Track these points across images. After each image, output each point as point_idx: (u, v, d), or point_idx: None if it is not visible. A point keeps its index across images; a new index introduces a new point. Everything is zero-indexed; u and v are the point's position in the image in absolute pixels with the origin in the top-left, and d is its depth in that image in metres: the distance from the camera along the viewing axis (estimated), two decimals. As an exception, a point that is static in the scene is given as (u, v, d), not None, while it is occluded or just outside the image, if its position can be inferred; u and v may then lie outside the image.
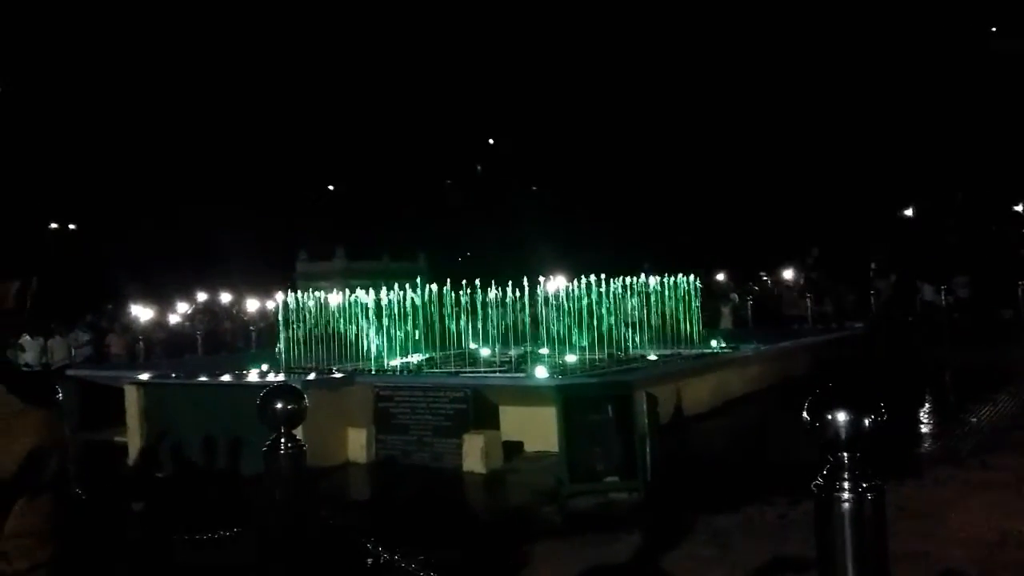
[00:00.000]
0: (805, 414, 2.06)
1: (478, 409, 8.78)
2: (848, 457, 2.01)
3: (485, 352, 12.25)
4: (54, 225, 37.07)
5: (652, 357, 11.94)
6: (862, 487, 2.00)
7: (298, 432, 3.57)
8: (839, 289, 21.32)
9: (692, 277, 13.60)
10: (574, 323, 12.11)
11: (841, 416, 2.00)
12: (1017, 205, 31.62)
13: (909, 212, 33.42)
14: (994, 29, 32.85)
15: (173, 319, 22.93)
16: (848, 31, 31.76)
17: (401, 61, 35.59)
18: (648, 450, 7.25)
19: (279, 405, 3.47)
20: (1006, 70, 29.79)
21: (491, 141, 37.10)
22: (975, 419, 9.75)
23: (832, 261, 24.28)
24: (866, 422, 2.00)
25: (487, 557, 5.74)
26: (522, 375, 9.98)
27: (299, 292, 13.30)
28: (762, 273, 26.91)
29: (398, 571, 3.89)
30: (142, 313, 21.95)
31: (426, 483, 8.11)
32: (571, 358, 11.39)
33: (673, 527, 6.00)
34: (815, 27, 31.82)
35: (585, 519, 6.46)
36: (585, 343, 12.04)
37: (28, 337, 15.47)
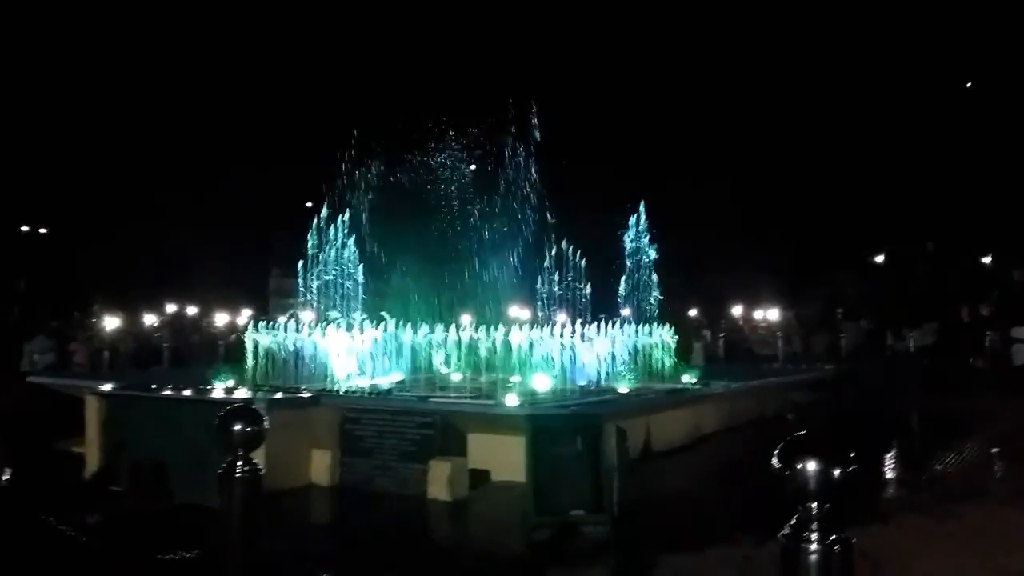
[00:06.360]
0: (775, 461, 2.01)
1: (446, 435, 8.65)
2: (816, 508, 1.97)
3: (456, 377, 12.13)
4: (25, 228, 36.55)
5: (623, 390, 11.88)
6: (829, 539, 1.95)
7: (257, 454, 3.45)
8: (806, 332, 21.50)
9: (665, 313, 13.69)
10: (547, 355, 12.05)
11: (811, 466, 1.95)
12: (986, 257, 32.24)
13: (880, 259, 33.93)
14: (969, 84, 33.68)
15: (141, 329, 22.55)
16: (825, 76, 32.33)
17: (378, 77, 35.51)
18: (616, 484, 7.17)
19: (237, 427, 3.34)
20: (981, 121, 30.52)
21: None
22: (940, 467, 9.80)
23: (802, 305, 24.46)
24: (836, 474, 1.95)
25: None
26: (492, 402, 9.87)
27: (271, 308, 13.08)
28: (734, 311, 27.08)
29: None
30: (109, 322, 21.53)
31: (388, 509, 7.96)
32: (543, 387, 11.28)
33: (636, 564, 5.94)
34: (792, 68, 32.35)
35: (548, 553, 6.37)
36: (556, 373, 11.96)
37: None
